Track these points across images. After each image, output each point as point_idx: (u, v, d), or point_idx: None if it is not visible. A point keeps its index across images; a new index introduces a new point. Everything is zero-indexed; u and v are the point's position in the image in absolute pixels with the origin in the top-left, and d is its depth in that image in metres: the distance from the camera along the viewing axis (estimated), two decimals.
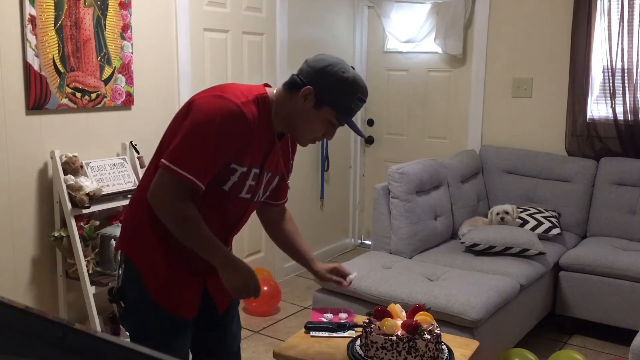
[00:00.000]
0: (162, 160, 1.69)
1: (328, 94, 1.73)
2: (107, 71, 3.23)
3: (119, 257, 1.87)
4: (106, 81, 3.24)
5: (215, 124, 1.66)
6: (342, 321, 2.23)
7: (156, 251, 1.80)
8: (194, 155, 1.67)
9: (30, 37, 2.86)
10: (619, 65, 4.08)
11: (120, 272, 1.85)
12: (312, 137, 1.84)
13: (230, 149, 1.71)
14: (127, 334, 3.07)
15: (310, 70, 1.76)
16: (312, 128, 1.80)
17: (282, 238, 2.12)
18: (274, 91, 1.82)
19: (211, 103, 1.70)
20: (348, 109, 1.76)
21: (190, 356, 2.03)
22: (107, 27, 3.20)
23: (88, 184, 3.01)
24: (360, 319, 2.16)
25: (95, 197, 3.00)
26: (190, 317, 1.85)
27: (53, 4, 2.94)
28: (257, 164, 1.80)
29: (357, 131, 1.83)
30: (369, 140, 5.31)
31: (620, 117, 4.11)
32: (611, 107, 4.13)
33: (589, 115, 4.25)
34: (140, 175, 3.32)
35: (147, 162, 3.33)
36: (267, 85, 1.87)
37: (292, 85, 1.77)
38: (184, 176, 1.66)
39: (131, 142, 3.35)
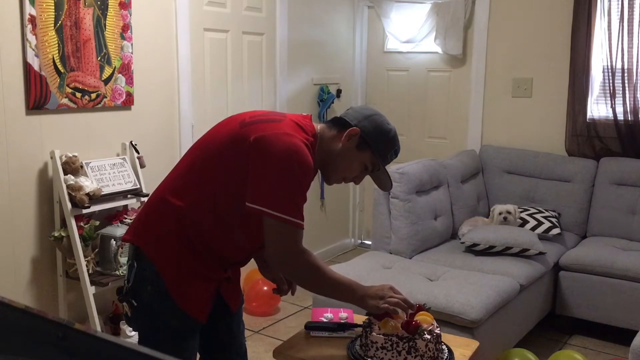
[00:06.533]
0: (266, 210, 1.67)
1: (372, 139, 1.84)
2: (107, 71, 3.23)
3: (130, 254, 1.83)
4: (106, 81, 3.23)
5: (300, 165, 1.69)
6: (342, 321, 2.23)
7: (180, 253, 1.77)
8: (294, 199, 1.70)
9: (30, 37, 2.86)
10: (619, 65, 4.08)
11: (131, 270, 1.80)
12: (343, 177, 1.91)
13: (309, 187, 1.77)
14: (128, 334, 3.06)
15: (358, 114, 1.87)
16: (349, 168, 1.88)
17: None
18: (318, 127, 1.87)
19: (286, 142, 1.69)
20: (384, 158, 1.89)
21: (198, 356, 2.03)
22: (107, 27, 3.20)
23: (88, 184, 3.01)
24: (360, 319, 2.15)
25: (95, 197, 3.00)
26: (204, 320, 1.84)
27: (53, 4, 2.94)
28: None
29: (387, 181, 1.95)
30: None
31: (620, 117, 4.11)
32: (611, 107, 4.13)
33: (589, 115, 4.25)
34: (140, 176, 3.32)
35: (147, 162, 3.35)
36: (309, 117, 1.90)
37: (338, 124, 1.86)
38: (296, 222, 1.69)
39: (131, 142, 3.35)
